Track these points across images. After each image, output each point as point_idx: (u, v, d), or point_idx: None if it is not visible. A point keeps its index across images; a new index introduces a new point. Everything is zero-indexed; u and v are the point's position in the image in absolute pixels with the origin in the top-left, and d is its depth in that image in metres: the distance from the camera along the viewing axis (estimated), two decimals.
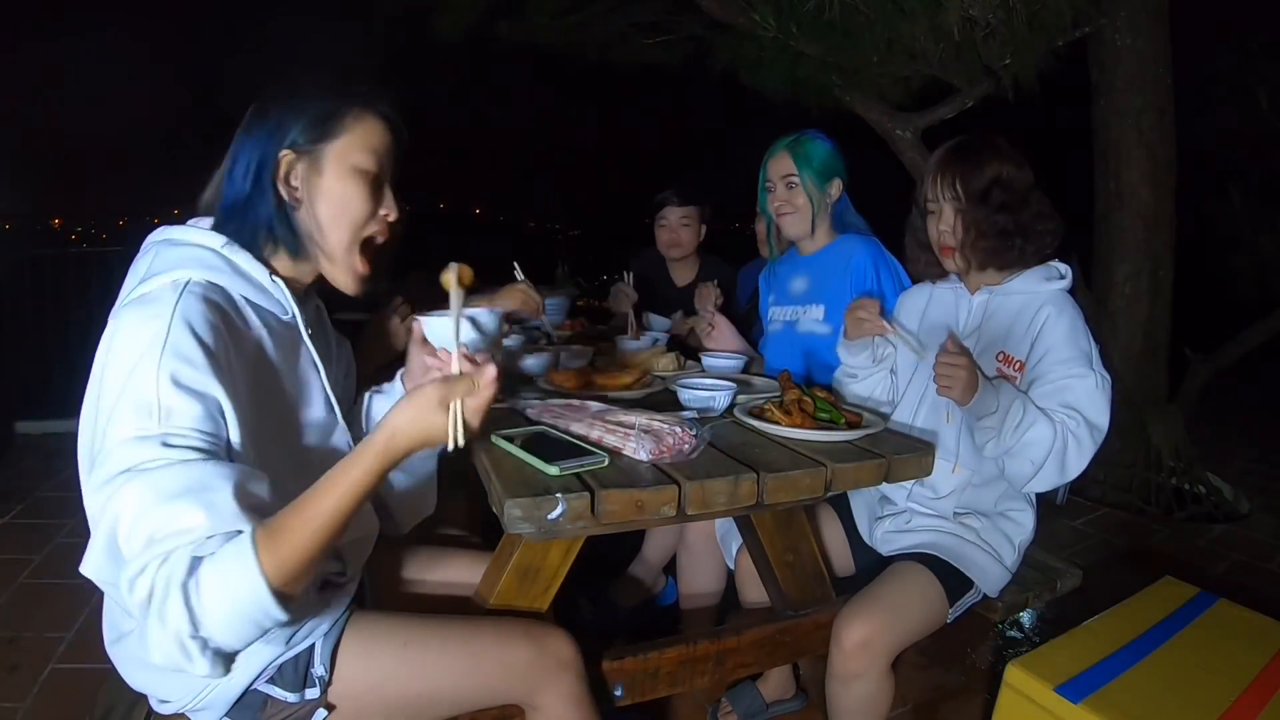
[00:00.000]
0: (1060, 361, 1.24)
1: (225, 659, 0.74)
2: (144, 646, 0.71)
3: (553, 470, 0.99)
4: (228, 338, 0.82)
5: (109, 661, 0.97)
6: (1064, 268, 1.33)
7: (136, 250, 0.91)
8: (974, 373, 1.20)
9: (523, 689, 1.02)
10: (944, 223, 1.35)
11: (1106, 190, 3.03)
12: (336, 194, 0.92)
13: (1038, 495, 1.39)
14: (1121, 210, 2.99)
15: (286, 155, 0.90)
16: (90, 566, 0.76)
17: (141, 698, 1.03)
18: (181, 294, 0.80)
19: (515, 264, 1.85)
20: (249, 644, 0.75)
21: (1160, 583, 1.39)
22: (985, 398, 1.20)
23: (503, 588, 1.09)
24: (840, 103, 3.15)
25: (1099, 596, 1.37)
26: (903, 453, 1.18)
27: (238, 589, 0.71)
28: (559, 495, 0.94)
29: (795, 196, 1.73)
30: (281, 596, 0.73)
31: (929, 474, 1.23)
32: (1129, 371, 3.06)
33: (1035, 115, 2.96)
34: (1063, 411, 1.20)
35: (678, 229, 2.42)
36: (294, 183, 0.91)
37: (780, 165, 1.73)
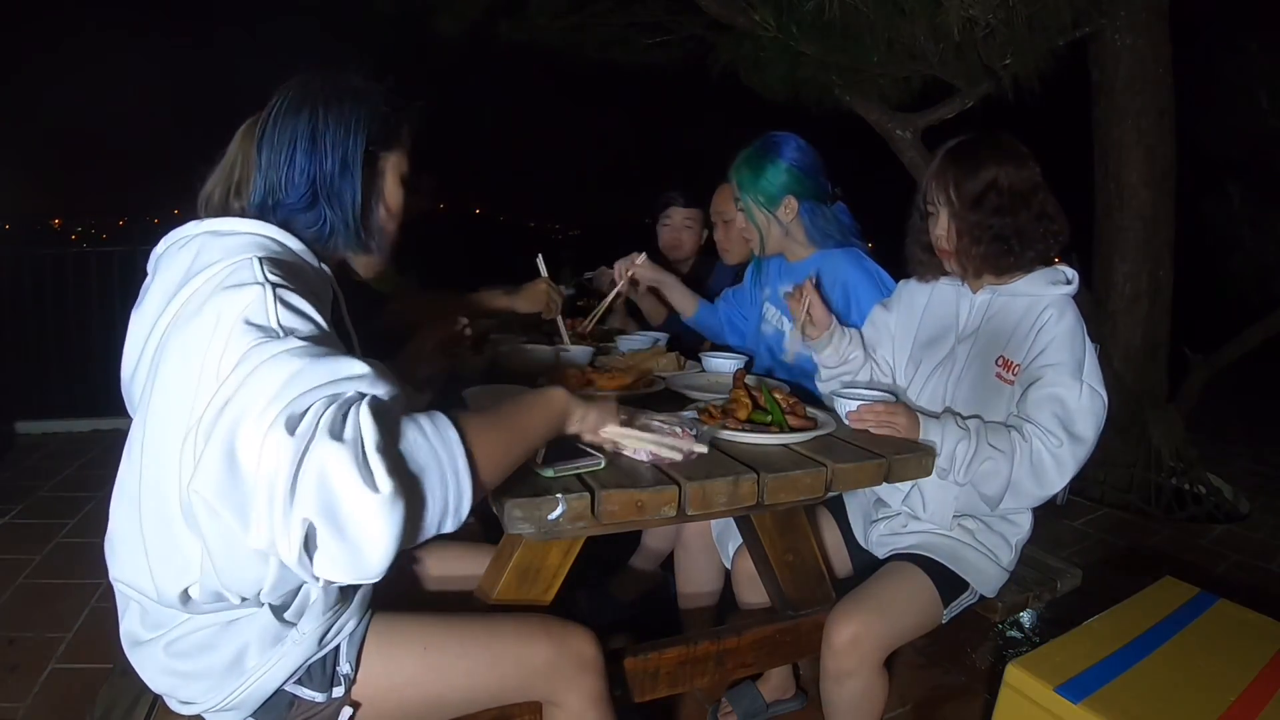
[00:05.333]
0: (1051, 368, 1.23)
1: (407, 493, 0.68)
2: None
3: (548, 472, 0.99)
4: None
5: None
6: (1071, 273, 1.31)
7: (137, 250, 0.91)
8: (911, 416, 1.26)
9: (543, 687, 1.02)
10: (940, 227, 1.34)
11: (1106, 190, 3.04)
12: (392, 199, 1.00)
13: None
14: (1121, 210, 2.99)
15: (367, 154, 0.94)
16: (203, 480, 0.67)
17: (143, 698, 1.03)
18: (262, 266, 0.80)
19: (540, 257, 1.86)
20: (436, 505, 0.72)
21: (1160, 583, 1.38)
22: (929, 435, 1.25)
23: (503, 587, 1.09)
24: (840, 103, 3.15)
25: (1099, 596, 1.37)
26: (903, 453, 1.18)
27: (432, 434, 0.73)
28: (559, 496, 0.94)
29: (746, 222, 1.74)
30: (473, 466, 0.75)
31: (929, 474, 1.23)
32: (1129, 371, 3.06)
33: (1035, 115, 2.96)
34: (1045, 429, 1.20)
35: (680, 230, 2.41)
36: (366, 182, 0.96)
37: (733, 189, 1.75)
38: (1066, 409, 1.21)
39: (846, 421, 1.31)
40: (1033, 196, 1.28)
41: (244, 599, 0.81)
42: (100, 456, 3.20)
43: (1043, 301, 1.29)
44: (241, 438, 0.67)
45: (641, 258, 1.94)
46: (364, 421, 0.68)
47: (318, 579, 0.69)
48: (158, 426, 0.77)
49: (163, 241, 0.91)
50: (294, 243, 0.91)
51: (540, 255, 1.86)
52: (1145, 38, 2.85)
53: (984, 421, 1.27)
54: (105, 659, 1.73)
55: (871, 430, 1.27)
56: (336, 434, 0.66)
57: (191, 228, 0.89)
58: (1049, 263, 1.32)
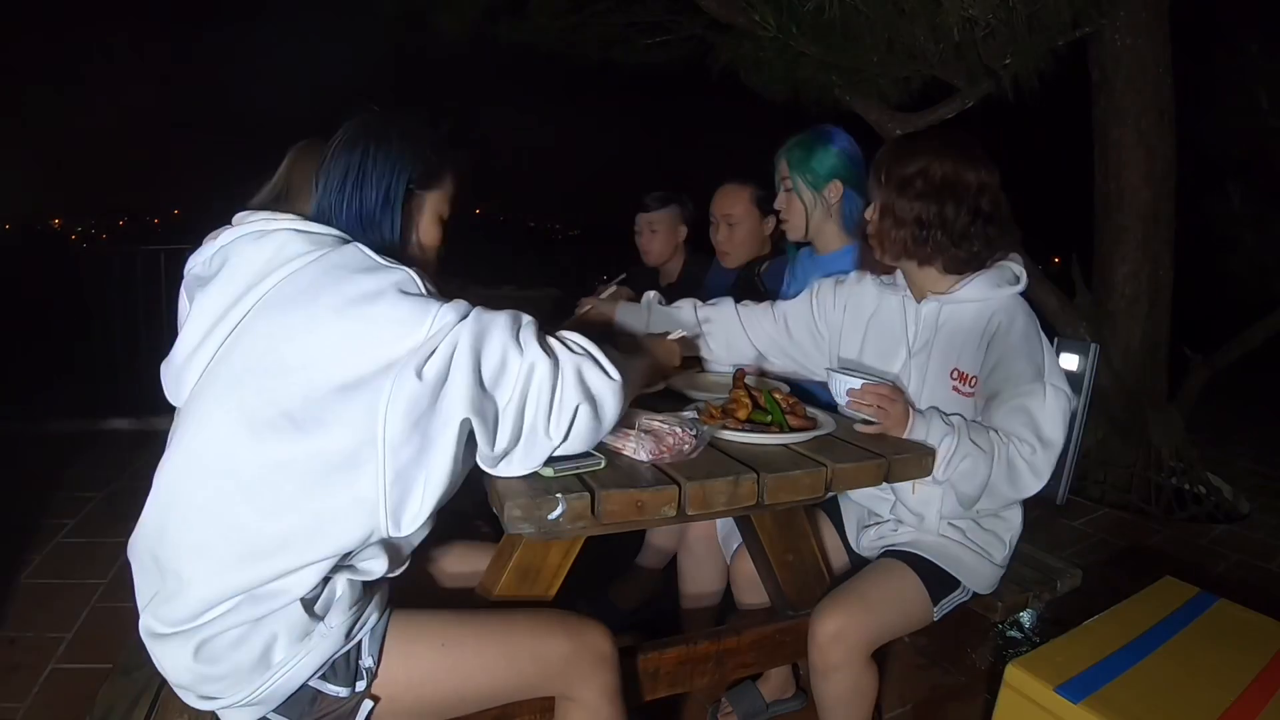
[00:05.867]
0: (1011, 379, 1.22)
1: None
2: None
3: (547, 472, 0.99)
4: None
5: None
6: (1018, 269, 1.29)
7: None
8: (905, 408, 1.22)
9: (559, 682, 1.03)
10: (869, 210, 1.34)
11: (1106, 190, 3.03)
12: (425, 236, 1.08)
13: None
14: (1121, 210, 2.99)
15: (407, 191, 1.03)
16: (454, 399, 0.86)
17: (143, 697, 1.03)
18: (371, 251, 0.94)
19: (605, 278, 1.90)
20: (625, 397, 1.01)
21: (1160, 583, 1.38)
22: (915, 432, 1.22)
23: (502, 587, 1.09)
24: (840, 103, 3.15)
25: (1099, 596, 1.37)
26: (903, 453, 1.18)
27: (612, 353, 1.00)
28: (559, 495, 0.94)
29: (790, 201, 1.72)
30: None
31: (929, 474, 1.22)
32: (1129, 371, 3.06)
33: (1035, 115, 2.96)
34: (1018, 438, 1.20)
35: (646, 235, 2.46)
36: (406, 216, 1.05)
37: (780, 168, 1.73)
38: (1034, 417, 1.20)
39: (844, 400, 1.25)
40: (969, 193, 1.24)
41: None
42: (100, 456, 3.20)
43: (990, 306, 1.27)
44: (488, 364, 0.88)
45: (586, 305, 1.66)
46: (581, 340, 0.98)
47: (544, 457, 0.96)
48: (293, 388, 0.85)
49: (228, 233, 0.97)
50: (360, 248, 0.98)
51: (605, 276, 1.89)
52: (1145, 38, 2.85)
53: (965, 420, 1.26)
54: (105, 659, 1.73)
55: (859, 425, 1.24)
56: (572, 350, 0.95)
57: (265, 223, 0.96)
58: (982, 265, 1.29)
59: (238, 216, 1.01)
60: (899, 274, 1.40)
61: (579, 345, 0.98)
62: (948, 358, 1.30)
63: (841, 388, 1.26)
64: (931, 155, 1.26)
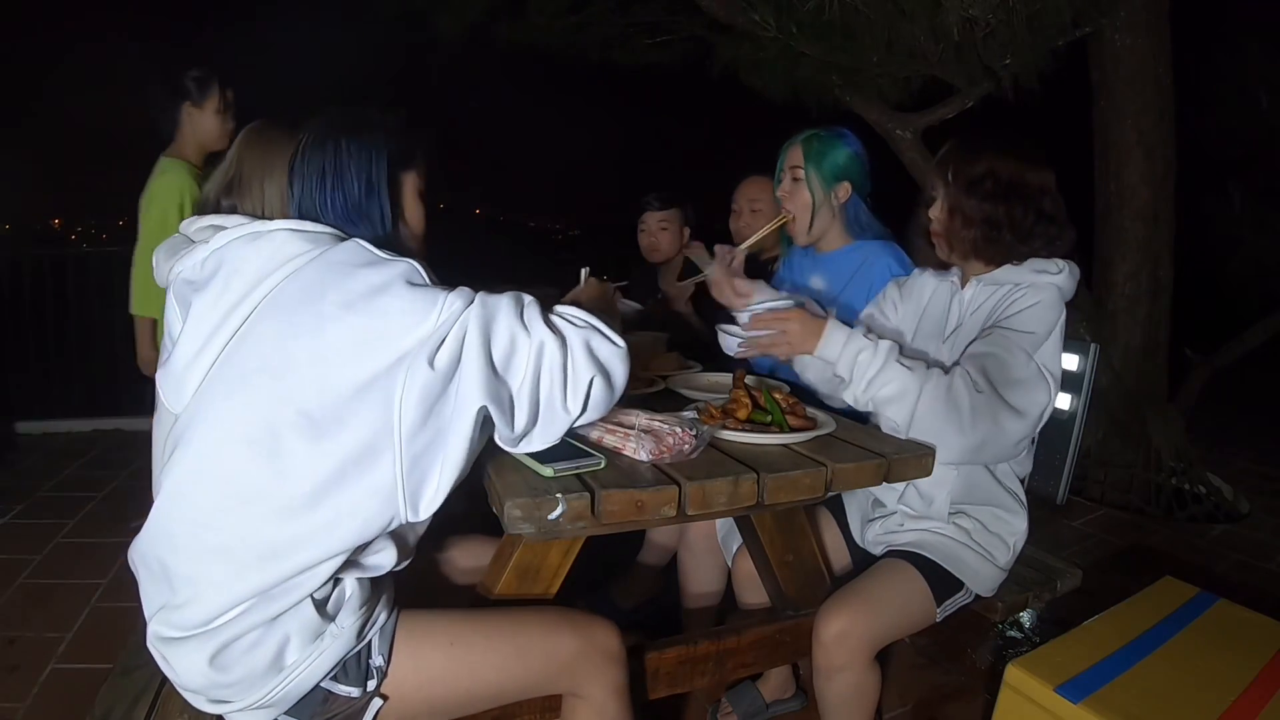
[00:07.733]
0: (1000, 329, 1.23)
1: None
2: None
3: (547, 472, 0.99)
4: None
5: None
6: (1062, 263, 1.30)
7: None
8: (808, 324, 1.28)
9: (568, 680, 1.03)
10: (936, 209, 1.35)
11: (1106, 190, 3.03)
12: (411, 216, 1.08)
13: (1029, 494, 1.39)
14: (1121, 210, 2.99)
15: (388, 174, 1.03)
16: (468, 387, 0.86)
17: (143, 697, 1.03)
18: (373, 246, 0.94)
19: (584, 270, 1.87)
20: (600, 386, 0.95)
21: (1160, 583, 1.39)
22: (830, 342, 1.26)
23: (503, 587, 1.09)
24: (840, 103, 3.15)
25: (1099, 596, 1.37)
26: (903, 453, 1.18)
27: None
28: (559, 495, 0.94)
29: (797, 191, 1.70)
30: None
31: (929, 474, 1.22)
32: (1129, 371, 3.06)
33: (1035, 115, 2.96)
34: (970, 376, 1.18)
35: (656, 233, 2.45)
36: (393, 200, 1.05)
37: (791, 156, 1.72)
38: (1003, 370, 1.19)
39: (736, 346, 1.37)
40: (1032, 193, 1.28)
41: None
42: (100, 456, 3.20)
43: (1022, 286, 1.29)
44: (498, 349, 0.88)
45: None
46: (580, 313, 0.98)
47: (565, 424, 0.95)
48: (307, 387, 0.85)
49: (219, 236, 0.96)
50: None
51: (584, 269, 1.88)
52: (1145, 38, 2.85)
53: (901, 348, 1.27)
54: (105, 659, 1.73)
55: (761, 344, 1.32)
56: (576, 325, 0.96)
57: (259, 225, 0.96)
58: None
59: (184, 223, 1.03)
60: (954, 268, 1.42)
61: (580, 318, 0.98)
62: (974, 334, 1.32)
63: (729, 343, 1.38)
64: (996, 156, 1.29)
